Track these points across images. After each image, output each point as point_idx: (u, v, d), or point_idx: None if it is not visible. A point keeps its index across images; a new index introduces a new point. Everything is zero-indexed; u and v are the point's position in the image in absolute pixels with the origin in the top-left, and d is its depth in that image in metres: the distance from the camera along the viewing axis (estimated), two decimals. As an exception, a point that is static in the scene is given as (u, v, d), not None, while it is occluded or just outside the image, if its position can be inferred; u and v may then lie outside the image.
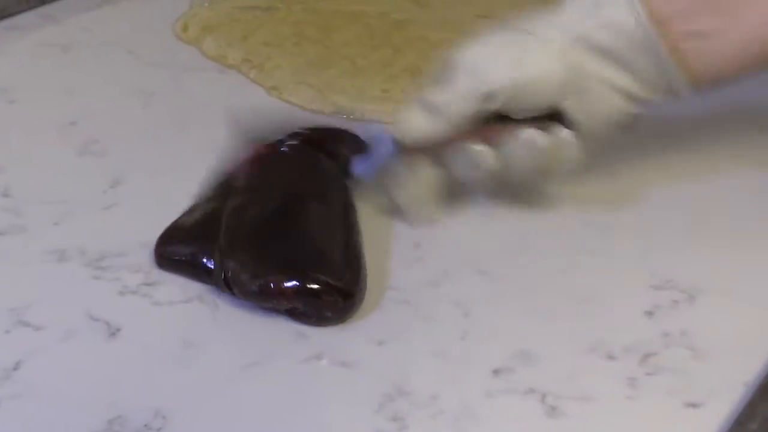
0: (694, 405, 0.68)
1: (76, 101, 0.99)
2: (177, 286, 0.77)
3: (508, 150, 0.80)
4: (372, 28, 1.09)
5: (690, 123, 0.96)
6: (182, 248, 0.78)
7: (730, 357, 0.72)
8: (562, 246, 0.82)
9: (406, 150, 0.80)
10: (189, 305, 0.76)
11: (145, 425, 0.67)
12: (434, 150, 0.80)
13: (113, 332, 0.74)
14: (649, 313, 0.75)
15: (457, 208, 0.85)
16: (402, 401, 0.69)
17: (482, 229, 0.84)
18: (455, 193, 0.85)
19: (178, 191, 0.86)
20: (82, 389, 0.70)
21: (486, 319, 0.75)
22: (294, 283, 0.72)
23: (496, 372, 0.71)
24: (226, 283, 0.74)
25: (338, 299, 0.73)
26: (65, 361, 0.72)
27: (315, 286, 0.73)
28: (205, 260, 0.76)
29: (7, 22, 1.10)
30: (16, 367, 0.71)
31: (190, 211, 0.81)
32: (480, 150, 0.80)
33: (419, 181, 0.82)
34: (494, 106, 0.79)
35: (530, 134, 0.79)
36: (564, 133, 0.80)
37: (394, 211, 0.83)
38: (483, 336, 0.73)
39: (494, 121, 0.80)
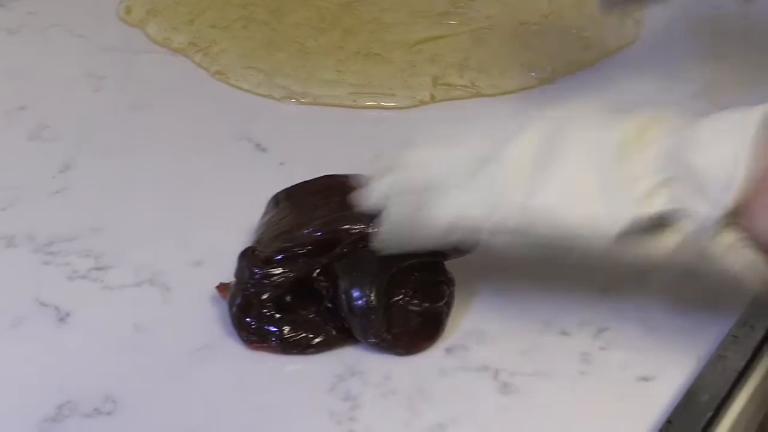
0: (646, 378, 0.68)
1: (25, 85, 0.97)
2: (128, 270, 0.77)
3: None
4: (322, 10, 1.08)
5: (643, 99, 0.96)
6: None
7: (683, 331, 0.72)
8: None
9: None
10: (140, 289, 0.75)
11: (95, 409, 0.66)
12: None
13: (62, 317, 0.73)
14: (604, 289, 0.75)
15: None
16: (354, 381, 0.68)
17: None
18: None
19: (129, 175, 0.86)
20: (31, 375, 0.69)
21: (439, 297, 0.74)
22: None
23: (449, 350, 0.70)
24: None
25: None
26: (14, 347, 0.71)
27: None
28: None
29: (-49, 6, 1.09)
30: (-36, 353, 0.70)
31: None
32: None
33: None
34: None
35: None
36: None
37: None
38: (436, 314, 0.73)
39: None
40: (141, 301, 0.74)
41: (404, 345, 0.70)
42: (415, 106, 0.96)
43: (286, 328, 0.71)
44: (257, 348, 0.70)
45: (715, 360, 0.69)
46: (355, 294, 0.70)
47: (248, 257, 0.72)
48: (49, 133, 0.91)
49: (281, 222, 0.74)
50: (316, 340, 0.71)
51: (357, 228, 0.71)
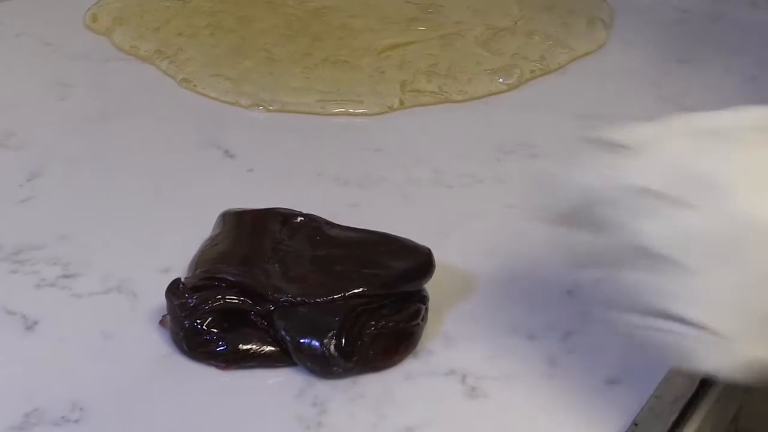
0: (613, 381, 0.69)
1: (-7, 94, 0.98)
2: (95, 277, 0.76)
3: None
4: (290, 17, 1.08)
5: (609, 103, 0.97)
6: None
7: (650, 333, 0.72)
8: (484, 229, 0.82)
9: None
10: (107, 296, 0.75)
11: (62, 417, 0.66)
12: None
13: (30, 325, 0.73)
14: (570, 292, 0.75)
15: (375, 192, 0.85)
16: (322, 386, 0.68)
17: (401, 210, 0.84)
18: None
19: (97, 183, 0.87)
20: (-3, 383, 0.69)
21: (406, 302, 0.74)
22: None
23: (416, 354, 0.71)
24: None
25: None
26: (-20, 355, 0.71)
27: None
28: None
29: None
30: (-70, 362, 0.70)
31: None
32: None
33: None
34: None
35: None
36: None
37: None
38: (403, 319, 0.73)
39: None
40: (109, 309, 0.74)
41: (372, 368, 0.69)
42: (384, 112, 0.96)
43: (243, 346, 0.70)
44: (233, 368, 0.69)
45: (681, 361, 0.70)
46: (309, 343, 0.68)
47: (174, 291, 0.71)
48: (17, 141, 0.91)
49: (214, 248, 0.74)
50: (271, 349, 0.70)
51: (283, 297, 0.70)
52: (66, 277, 0.77)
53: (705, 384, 0.69)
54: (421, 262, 0.73)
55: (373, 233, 0.75)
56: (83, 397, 0.67)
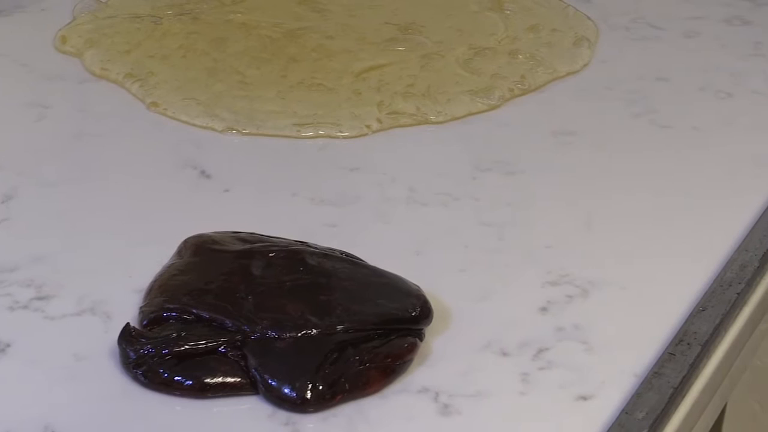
0: (584, 397, 0.69)
1: (-32, 116, 0.98)
2: (69, 299, 0.76)
3: None
4: (264, 39, 1.07)
5: (585, 120, 0.97)
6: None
7: (621, 349, 0.72)
8: (457, 245, 0.82)
9: None
10: (81, 318, 0.75)
11: (34, 440, 0.66)
12: None
13: (2, 348, 0.72)
14: (544, 309, 0.76)
15: (351, 211, 0.85)
16: (294, 405, 0.68)
17: (377, 229, 0.84)
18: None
19: (72, 204, 0.86)
20: (-32, 407, 0.69)
21: (380, 320, 0.74)
22: None
23: (388, 373, 0.71)
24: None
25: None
26: (-48, 379, 0.71)
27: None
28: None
29: None
30: None
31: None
32: None
33: None
34: None
35: None
36: None
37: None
38: (376, 338, 0.73)
39: None
40: (82, 331, 0.74)
41: (350, 399, 0.68)
42: (361, 135, 0.95)
43: (209, 380, 0.68)
44: (210, 397, 0.69)
45: (652, 377, 0.70)
46: (281, 388, 0.67)
47: (127, 339, 0.69)
48: (-8, 163, 0.91)
49: (177, 278, 0.73)
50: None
51: (256, 328, 0.69)
52: (39, 299, 0.77)
53: (675, 399, 0.69)
54: (418, 307, 0.72)
55: (361, 265, 0.74)
56: (55, 421, 0.67)
